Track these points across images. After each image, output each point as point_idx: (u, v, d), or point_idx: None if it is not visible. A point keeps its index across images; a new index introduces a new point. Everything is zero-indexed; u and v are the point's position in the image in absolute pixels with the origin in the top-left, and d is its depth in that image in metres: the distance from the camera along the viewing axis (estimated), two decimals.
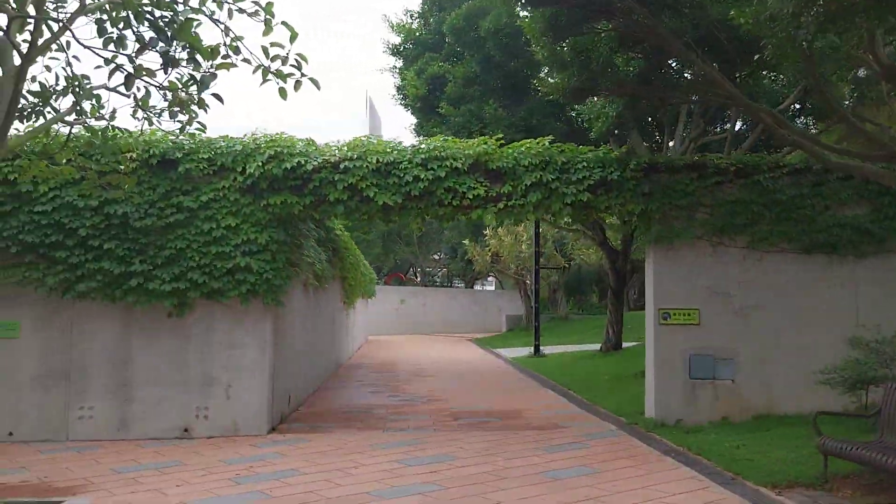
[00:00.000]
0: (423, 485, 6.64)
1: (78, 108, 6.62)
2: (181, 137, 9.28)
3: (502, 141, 9.84)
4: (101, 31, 6.00)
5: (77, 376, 9.13)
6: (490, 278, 50.16)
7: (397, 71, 18.06)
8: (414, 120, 17.82)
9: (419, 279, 48.02)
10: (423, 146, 9.68)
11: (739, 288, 10.02)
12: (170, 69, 5.60)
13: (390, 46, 18.30)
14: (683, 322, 9.93)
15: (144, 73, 5.79)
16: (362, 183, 9.32)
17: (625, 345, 19.54)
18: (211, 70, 5.66)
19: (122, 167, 7.74)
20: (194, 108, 7.47)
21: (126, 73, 5.73)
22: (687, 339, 9.90)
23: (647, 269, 10.37)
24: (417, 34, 17.68)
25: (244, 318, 9.37)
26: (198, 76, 5.77)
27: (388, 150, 9.56)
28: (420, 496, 6.26)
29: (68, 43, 6.61)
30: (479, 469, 7.28)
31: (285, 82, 5.92)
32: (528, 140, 9.94)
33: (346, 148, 9.58)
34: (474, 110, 14.69)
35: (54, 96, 6.92)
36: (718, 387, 9.87)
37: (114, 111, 7.41)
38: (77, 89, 6.91)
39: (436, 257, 48.08)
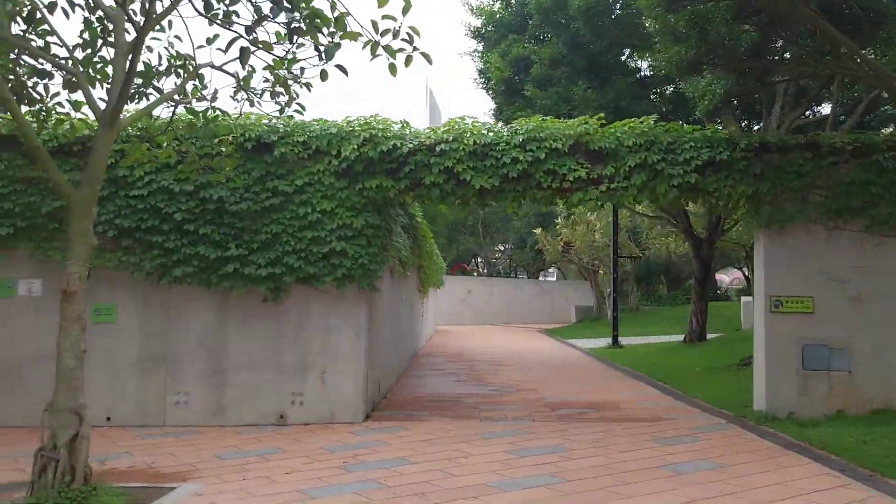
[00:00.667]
0: (541, 476, 6.32)
1: (183, 89, 6.51)
2: (276, 120, 9.20)
3: (603, 121, 9.40)
4: (208, 7, 5.86)
5: (173, 361, 9.13)
6: (550, 269, 49.54)
7: (478, 54, 17.70)
8: (492, 105, 17.48)
9: (484, 270, 47.73)
10: (521, 127, 9.32)
11: (856, 274, 9.37)
12: (295, 39, 5.37)
13: (471, 29, 17.91)
14: (796, 310, 9.33)
15: (260, 45, 5.59)
16: (459, 166, 9.02)
17: (708, 336, 18.84)
18: (333, 41, 5.40)
19: (224, 149, 7.63)
20: (295, 88, 7.33)
21: (242, 47, 5.54)
22: (800, 328, 9.31)
23: (757, 255, 9.79)
24: (499, 16, 17.26)
25: (339, 303, 9.20)
26: (318, 48, 5.50)
27: (485, 131, 9.24)
28: (543, 488, 5.94)
29: (170, 22, 6.53)
30: (595, 461, 6.92)
31: (394, 58, 5.66)
32: (631, 119, 9.47)
33: (441, 130, 9.30)
34: (562, 92, 14.22)
35: (157, 77, 6.88)
36: (833, 378, 9.26)
37: (215, 92, 7.33)
38: (181, 69, 6.83)
39: (500, 248, 47.65)
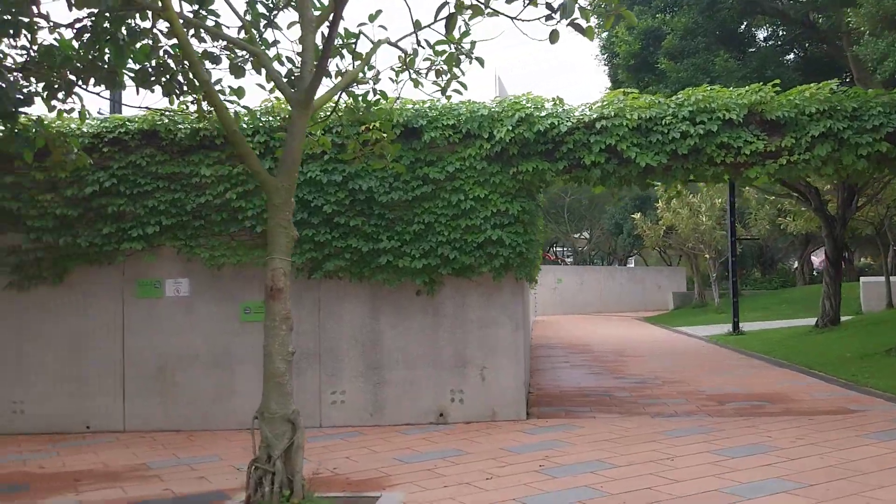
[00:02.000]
0: (776, 480, 5.62)
1: (363, 69, 6.08)
2: (428, 103, 8.75)
3: (778, 88, 8.57)
4: None
5: (327, 359, 8.80)
6: (632, 256, 48.11)
7: (598, 30, 16.76)
8: (607, 83, 16.63)
9: (570, 258, 46.68)
10: (686, 98, 8.57)
11: None
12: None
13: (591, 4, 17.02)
14: None
15: (469, 8, 5.08)
16: (622, 143, 8.34)
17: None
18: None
19: (385, 134, 7.19)
20: (456, 70, 6.81)
21: (450, 14, 5.04)
22: None
23: None
24: None
25: (496, 294, 8.69)
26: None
27: (648, 104, 8.53)
28: (792, 495, 5.26)
29: None
30: (819, 461, 6.17)
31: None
32: (809, 85, 8.61)
33: (599, 105, 8.65)
34: (699, 63, 13.34)
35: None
36: None
37: (377, 73, 6.89)
38: (346, 49, 6.39)
39: (585, 235, 46.51)
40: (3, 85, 5.87)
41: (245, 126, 8.68)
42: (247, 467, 4.84)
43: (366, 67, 6.39)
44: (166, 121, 8.81)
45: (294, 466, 4.72)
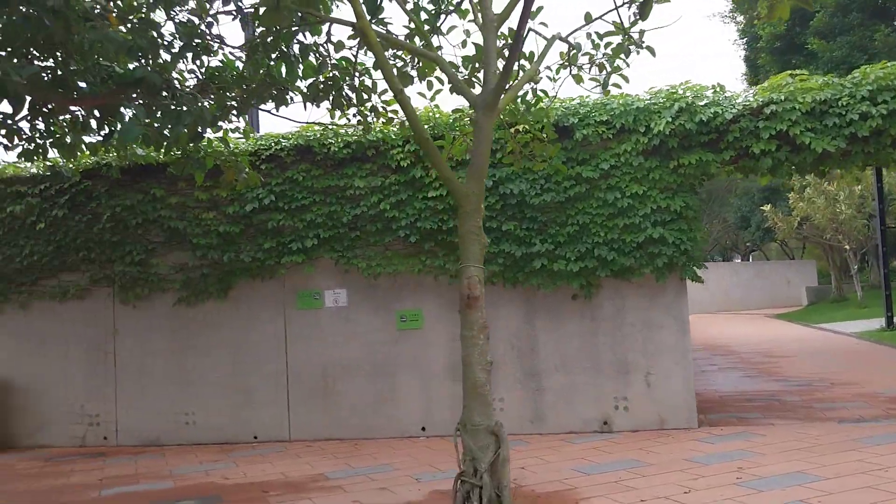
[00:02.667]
0: None
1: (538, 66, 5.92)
2: (577, 100, 8.51)
3: None
4: None
5: None
6: (754, 251, 45.71)
7: (729, 16, 16.16)
8: (741, 70, 15.84)
9: None
10: (862, 77, 7.92)
11: None
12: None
13: None
14: None
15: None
16: (794, 129, 7.79)
17: None
18: None
19: (545, 135, 7.00)
20: (620, 62, 6.53)
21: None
22: None
23: None
24: None
25: (658, 295, 8.33)
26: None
27: (821, 85, 7.94)
28: None
29: None
30: None
31: None
32: None
33: (765, 90, 8.14)
34: (854, 41, 12.44)
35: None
36: None
37: (537, 72, 6.70)
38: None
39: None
40: (185, 107, 6.08)
41: (394, 136, 8.73)
42: (453, 481, 4.75)
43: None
44: (319, 135, 9.00)
45: (501, 480, 4.59)
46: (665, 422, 8.19)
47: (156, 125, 5.38)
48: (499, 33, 5.72)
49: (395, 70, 6.27)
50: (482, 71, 5.07)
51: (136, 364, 9.45)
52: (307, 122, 7.10)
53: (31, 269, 9.72)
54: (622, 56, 6.29)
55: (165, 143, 6.41)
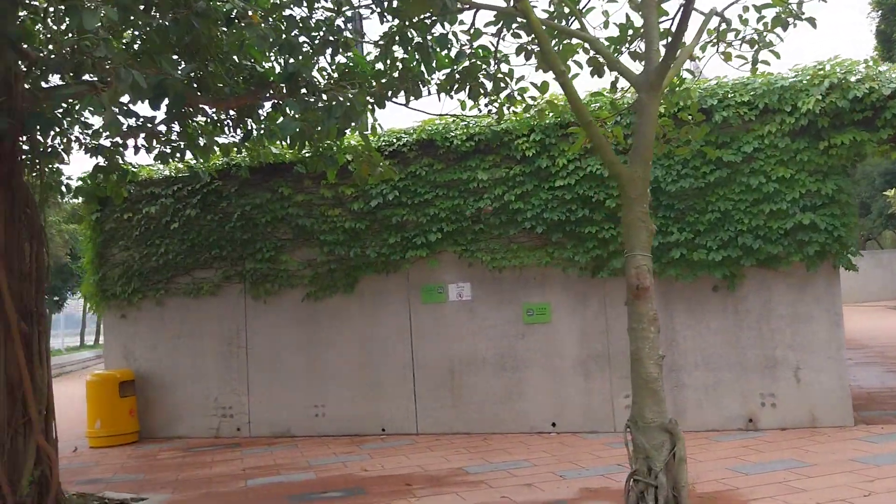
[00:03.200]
0: None
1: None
2: (715, 80, 8.09)
3: None
4: None
5: (618, 362, 8.39)
6: (869, 240, 42.74)
7: None
8: (872, 45, 14.77)
9: None
10: None
11: None
12: None
13: None
14: None
15: None
16: None
17: None
18: None
19: (691, 117, 6.66)
20: (773, 36, 6.11)
21: None
22: None
23: None
24: None
25: (808, 285, 7.80)
26: None
27: None
28: None
29: None
30: None
31: None
32: None
33: None
34: None
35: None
36: None
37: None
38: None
39: None
40: (335, 101, 6.10)
41: (517, 126, 8.55)
42: (625, 480, 4.54)
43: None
44: (440, 129, 8.94)
45: (678, 480, 4.34)
46: (817, 420, 7.67)
47: (308, 120, 5.39)
48: None
49: (531, 56, 6.10)
50: (643, 50, 4.81)
51: (266, 358, 9.68)
52: (439, 115, 7.00)
53: (166, 267, 10.11)
54: (777, 30, 5.89)
55: (316, 138, 6.47)
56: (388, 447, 8.36)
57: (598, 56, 5.63)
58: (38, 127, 5.53)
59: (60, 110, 6.83)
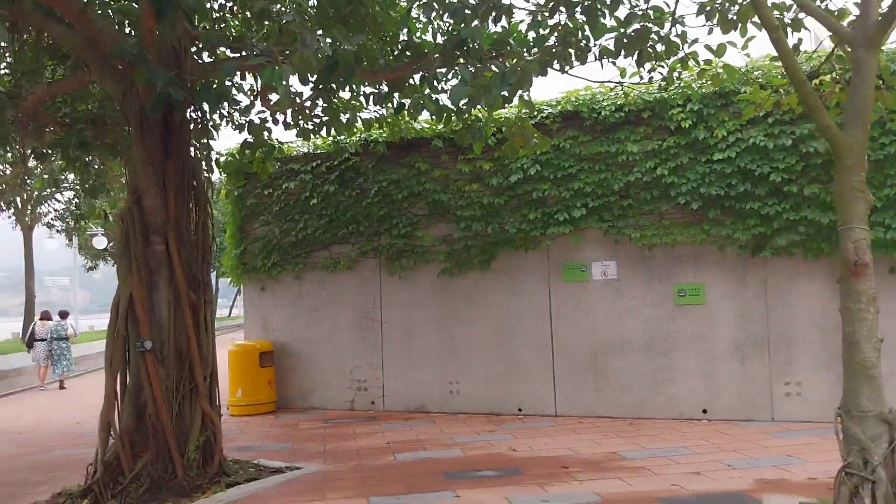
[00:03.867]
0: None
1: None
2: None
3: None
4: None
5: (777, 346, 7.85)
6: None
7: None
8: None
9: None
10: None
11: None
12: None
13: None
14: None
15: None
16: None
17: None
18: None
19: (883, 82, 6.03)
20: None
21: None
22: None
23: None
24: None
25: None
26: None
27: None
28: None
29: None
30: None
31: None
32: None
33: None
34: None
35: None
36: None
37: None
38: None
39: None
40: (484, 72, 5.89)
41: (675, 95, 8.07)
42: (836, 474, 4.14)
43: None
44: (588, 99, 8.58)
45: None
46: None
47: (477, 87, 5.19)
48: None
49: (714, 16, 5.66)
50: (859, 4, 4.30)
51: (401, 333, 9.68)
52: (601, 82, 6.67)
53: (304, 241, 10.27)
54: None
55: (465, 110, 6.30)
56: (528, 427, 8.17)
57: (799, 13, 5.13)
58: (207, 100, 5.60)
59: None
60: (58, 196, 21.42)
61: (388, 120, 8.31)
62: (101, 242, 25.25)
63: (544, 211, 8.74)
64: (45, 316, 15.80)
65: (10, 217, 21.06)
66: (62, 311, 16.06)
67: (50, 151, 8.27)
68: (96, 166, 8.62)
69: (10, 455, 8.01)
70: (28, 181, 19.32)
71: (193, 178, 6.44)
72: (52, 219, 22.56)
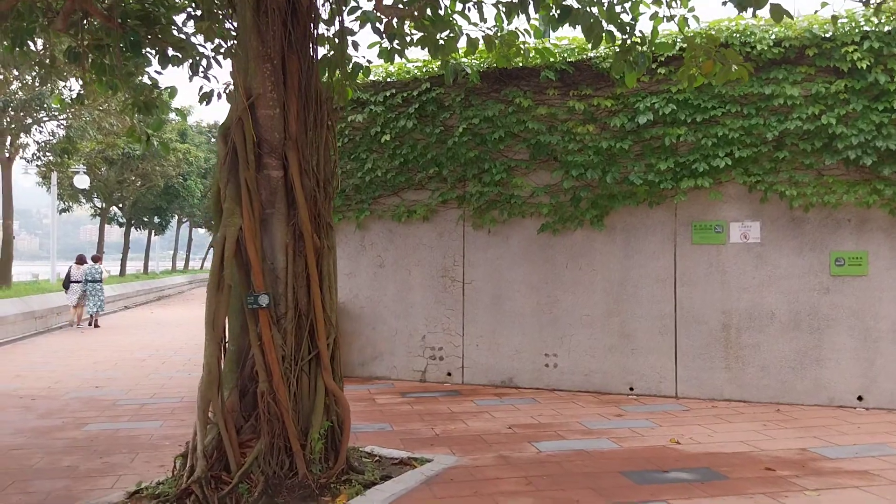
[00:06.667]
0: None
1: None
2: None
3: None
4: None
5: None
6: None
7: None
8: None
9: None
10: None
11: None
12: None
13: None
14: None
15: None
16: None
17: None
18: None
19: None
20: None
21: None
22: None
23: None
24: None
25: None
26: None
27: None
28: None
29: None
30: None
31: None
32: None
33: None
34: None
35: None
36: None
37: None
38: None
39: None
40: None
41: (849, 31, 6.81)
42: None
43: None
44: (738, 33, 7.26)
45: None
46: None
47: None
48: None
49: None
50: None
51: (488, 295, 8.38)
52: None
53: (372, 185, 8.84)
54: None
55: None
56: (660, 411, 6.99)
57: None
58: None
59: None
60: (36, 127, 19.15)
61: (505, 38, 6.84)
62: (82, 181, 23.06)
63: (677, 160, 7.46)
64: (80, 260, 17.08)
65: None
66: (95, 256, 17.75)
67: (88, 53, 6.60)
68: (144, 77, 6.98)
69: (36, 429, 6.51)
70: (8, 107, 17.17)
71: (317, 89, 4.98)
72: (34, 153, 20.22)
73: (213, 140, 42.31)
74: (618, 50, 6.19)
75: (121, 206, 31.51)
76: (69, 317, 16.84)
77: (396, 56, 6.42)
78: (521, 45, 7.08)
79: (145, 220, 34.21)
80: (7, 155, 18.67)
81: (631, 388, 7.80)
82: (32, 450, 5.74)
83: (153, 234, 38.02)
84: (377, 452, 5.47)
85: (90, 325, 16.42)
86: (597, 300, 7.92)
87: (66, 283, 16.69)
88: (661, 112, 7.42)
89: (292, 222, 4.73)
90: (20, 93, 17.69)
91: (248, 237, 4.54)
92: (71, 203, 27.15)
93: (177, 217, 41.00)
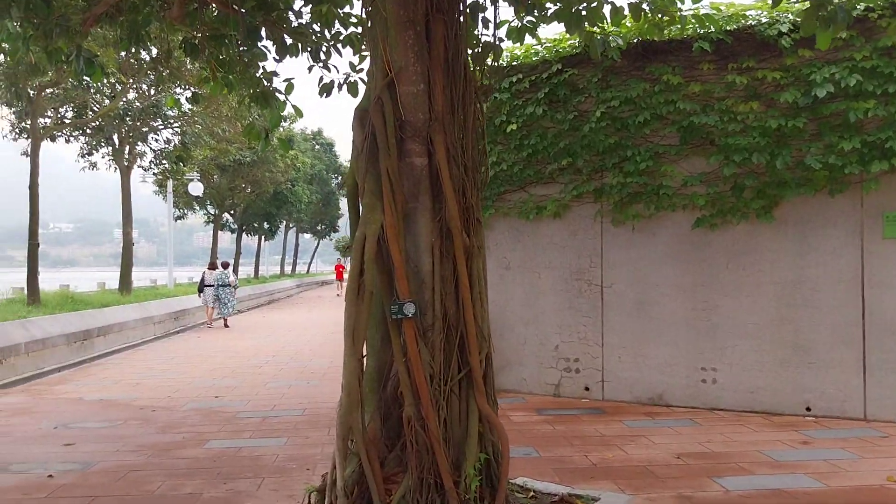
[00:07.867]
0: None
1: None
2: None
3: None
4: None
5: None
6: None
7: None
8: None
9: None
10: None
11: None
12: None
13: None
14: None
15: None
16: None
17: None
18: None
19: None
20: None
21: None
22: None
23: None
24: None
25: None
26: None
27: None
28: None
29: None
30: None
31: None
32: None
33: None
34: None
35: None
36: None
37: None
38: None
39: None
40: None
41: None
42: None
43: None
44: None
45: None
46: None
47: None
48: None
49: None
50: None
51: (630, 301, 7.45)
52: None
53: (495, 180, 8.10)
54: None
55: None
56: (851, 437, 5.88)
57: None
58: None
59: None
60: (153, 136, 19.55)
61: (655, 4, 5.89)
62: (197, 188, 23.52)
63: (865, 139, 6.31)
64: (212, 266, 19.09)
65: (108, 157, 19.32)
66: (224, 262, 19.63)
67: (205, 45, 6.18)
68: (259, 71, 6.51)
69: (156, 445, 6.12)
70: (126, 116, 17.50)
71: (463, 60, 4.27)
72: (151, 161, 20.68)
73: (317, 147, 42.89)
74: (808, 5, 5.16)
75: (232, 212, 32.26)
76: (203, 317, 18.70)
77: (527, 36, 5.69)
78: (677, 12, 6.14)
79: (255, 225, 34.94)
80: (126, 163, 19.15)
81: (808, 409, 6.69)
82: (153, 471, 5.30)
83: (263, 239, 38.87)
84: (530, 486, 4.69)
85: (224, 325, 18.22)
86: (764, 305, 6.86)
87: (201, 286, 18.47)
88: (844, 84, 6.29)
89: (439, 218, 4.02)
90: (137, 102, 18.10)
91: (390, 236, 3.86)
92: (186, 210, 27.90)
93: (284, 222, 41.79)
